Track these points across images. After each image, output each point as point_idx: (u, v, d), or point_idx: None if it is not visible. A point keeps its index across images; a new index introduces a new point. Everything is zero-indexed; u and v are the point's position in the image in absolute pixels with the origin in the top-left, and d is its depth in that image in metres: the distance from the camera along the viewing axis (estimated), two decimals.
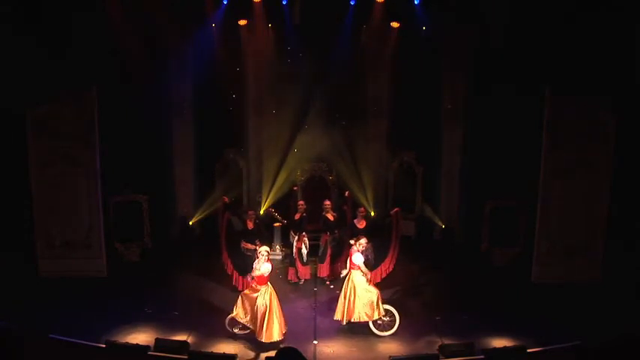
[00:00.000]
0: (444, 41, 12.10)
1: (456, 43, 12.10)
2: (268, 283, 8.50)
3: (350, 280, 8.81)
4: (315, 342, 8.50)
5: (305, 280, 10.82)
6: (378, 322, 8.72)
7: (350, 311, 8.67)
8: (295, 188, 12.76)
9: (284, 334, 8.40)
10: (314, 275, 10.96)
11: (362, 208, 10.77)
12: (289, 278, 10.86)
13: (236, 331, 8.58)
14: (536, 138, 10.41)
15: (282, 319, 8.45)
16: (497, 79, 11.16)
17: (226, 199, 10.78)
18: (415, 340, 8.52)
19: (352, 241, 10.41)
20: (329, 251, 10.82)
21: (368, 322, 8.68)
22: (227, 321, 8.58)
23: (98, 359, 6.81)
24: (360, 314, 8.63)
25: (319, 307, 9.73)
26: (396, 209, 10.79)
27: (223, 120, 12.95)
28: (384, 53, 12.76)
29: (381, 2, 12.12)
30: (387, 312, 8.78)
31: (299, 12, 12.39)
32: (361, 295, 8.66)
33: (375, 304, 8.61)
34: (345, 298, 8.75)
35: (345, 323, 8.76)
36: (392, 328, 8.70)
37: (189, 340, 8.18)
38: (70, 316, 8.80)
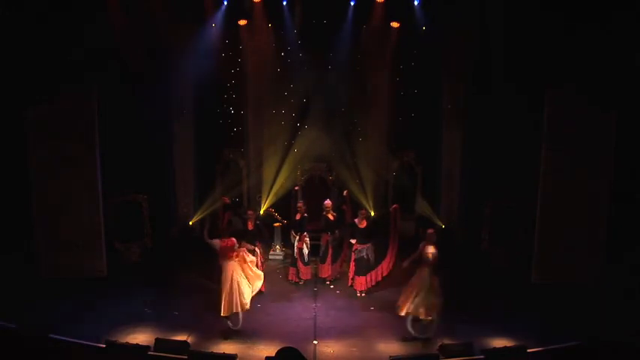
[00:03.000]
0: (443, 41, 12.11)
1: (456, 43, 12.10)
2: (233, 258, 8.71)
3: (418, 277, 8.57)
4: (315, 342, 8.50)
5: (306, 280, 10.83)
6: (423, 323, 8.61)
7: (409, 305, 8.50)
8: (296, 188, 12.78)
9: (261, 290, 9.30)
10: (315, 275, 10.98)
11: (363, 210, 10.78)
12: (290, 278, 10.88)
13: (230, 324, 8.74)
14: (536, 138, 10.41)
15: (255, 279, 8.98)
16: (497, 78, 11.17)
17: (226, 200, 10.79)
18: (415, 340, 8.52)
19: (353, 241, 10.45)
20: (330, 251, 10.84)
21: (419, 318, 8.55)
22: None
23: (98, 359, 6.81)
24: (416, 310, 8.48)
25: (319, 307, 9.73)
26: (394, 206, 10.78)
27: (223, 120, 12.97)
28: (384, 53, 12.77)
29: (381, 2, 12.13)
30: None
31: (299, 12, 12.41)
32: (426, 292, 8.43)
33: (434, 306, 8.44)
34: (410, 292, 8.56)
35: (403, 314, 8.61)
36: (428, 333, 8.59)
37: (189, 340, 8.19)
38: (70, 316, 8.80)
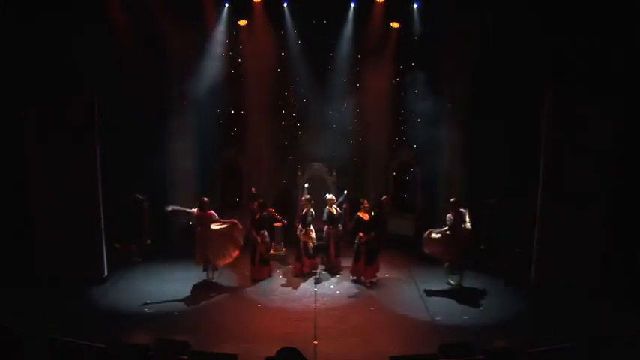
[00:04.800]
0: (443, 41, 12.11)
1: (456, 43, 12.10)
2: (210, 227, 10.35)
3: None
4: (315, 342, 8.51)
5: (309, 272, 11.03)
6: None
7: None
8: (299, 187, 12.79)
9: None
10: (317, 270, 11.18)
11: (366, 201, 10.84)
12: (294, 272, 11.05)
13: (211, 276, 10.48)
14: (536, 137, 10.41)
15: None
16: (498, 78, 11.17)
17: (254, 190, 11.06)
18: (415, 340, 8.52)
19: (361, 234, 10.52)
20: (333, 244, 10.99)
21: None
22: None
23: (98, 359, 6.81)
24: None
25: (319, 307, 9.73)
26: (385, 197, 10.92)
27: (223, 120, 12.96)
28: (384, 53, 12.78)
29: (381, 2, 12.14)
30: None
31: (299, 12, 12.42)
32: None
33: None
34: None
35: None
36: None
37: (189, 340, 8.18)
38: (70, 316, 8.80)
